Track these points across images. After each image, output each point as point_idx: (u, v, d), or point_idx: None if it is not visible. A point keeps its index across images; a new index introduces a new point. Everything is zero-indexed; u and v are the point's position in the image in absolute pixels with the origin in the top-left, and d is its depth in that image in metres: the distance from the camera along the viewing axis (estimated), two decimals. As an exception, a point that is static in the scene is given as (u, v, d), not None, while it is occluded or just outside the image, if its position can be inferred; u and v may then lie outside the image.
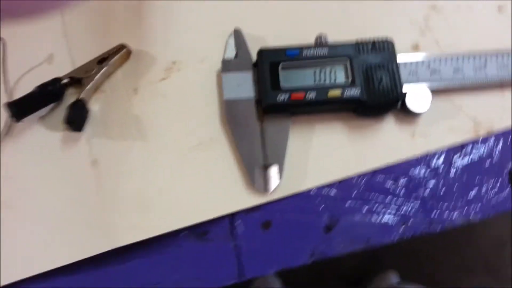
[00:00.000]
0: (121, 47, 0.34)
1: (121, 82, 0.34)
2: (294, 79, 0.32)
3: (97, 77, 0.33)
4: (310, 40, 0.34)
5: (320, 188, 0.32)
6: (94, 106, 0.33)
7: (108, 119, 0.33)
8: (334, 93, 0.31)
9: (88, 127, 0.32)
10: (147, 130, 0.33)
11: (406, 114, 0.33)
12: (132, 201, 0.31)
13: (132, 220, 0.30)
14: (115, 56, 0.34)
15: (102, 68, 0.33)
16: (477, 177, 0.32)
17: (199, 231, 0.31)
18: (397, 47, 0.33)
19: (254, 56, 0.33)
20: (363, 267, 1.21)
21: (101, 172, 0.32)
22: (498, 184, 0.32)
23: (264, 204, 0.31)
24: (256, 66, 0.33)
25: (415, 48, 0.35)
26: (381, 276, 1.11)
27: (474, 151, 0.33)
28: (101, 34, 0.35)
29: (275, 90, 0.32)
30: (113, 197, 0.31)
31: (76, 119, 0.31)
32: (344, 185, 0.32)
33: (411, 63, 0.33)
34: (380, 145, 0.33)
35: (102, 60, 0.33)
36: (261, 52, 0.33)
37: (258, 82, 0.32)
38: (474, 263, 1.27)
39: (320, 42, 0.34)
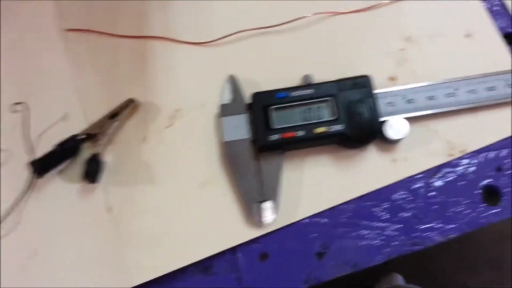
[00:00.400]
0: (129, 101, 0.38)
1: (131, 132, 0.38)
2: (284, 119, 0.36)
3: (109, 131, 0.37)
4: (298, 80, 0.38)
5: (312, 217, 0.36)
6: (108, 157, 0.38)
7: (121, 168, 0.37)
8: (321, 129, 0.35)
9: (103, 177, 0.37)
10: (156, 174, 0.37)
11: (386, 142, 0.37)
12: (144, 241, 0.35)
13: (144, 259, 0.35)
14: (125, 110, 0.38)
15: (114, 122, 0.37)
16: (453, 197, 0.36)
17: (204, 265, 0.35)
18: (376, 79, 0.37)
19: (248, 99, 0.37)
20: (371, 269, 1.23)
21: (116, 217, 0.36)
22: (472, 202, 0.36)
23: (261, 237, 0.35)
24: (250, 108, 0.37)
25: (393, 79, 0.39)
26: (386, 278, 1.14)
27: (449, 172, 0.37)
28: (110, 90, 0.40)
29: (268, 130, 0.36)
30: (128, 239, 0.35)
31: (93, 173, 0.36)
32: (333, 213, 0.36)
33: (388, 95, 0.37)
34: (365, 173, 0.37)
35: (113, 115, 0.38)
36: (254, 96, 0.37)
37: (253, 123, 0.36)
38: (476, 260, 1.29)
39: (306, 81, 0.38)
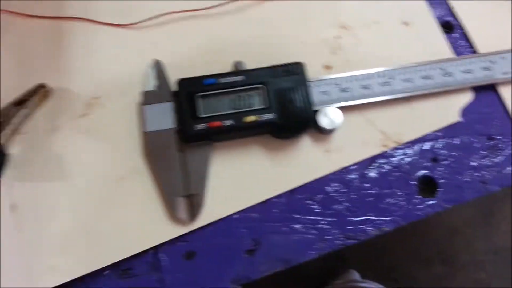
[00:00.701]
0: (40, 87, 0.34)
1: (41, 122, 0.34)
2: (212, 107, 0.33)
3: (15, 120, 0.33)
4: (229, 66, 0.36)
5: (242, 212, 0.33)
6: (14, 149, 0.33)
7: (28, 160, 0.33)
8: (251, 118, 0.33)
9: (8, 171, 0.33)
10: (69, 168, 0.33)
11: (320, 132, 0.35)
12: (54, 241, 0.32)
13: (54, 262, 0.31)
14: (34, 96, 0.34)
15: (20, 110, 0.33)
16: (387, 188, 0.34)
17: (122, 267, 0.32)
18: (311, 68, 0.35)
19: (174, 86, 0.34)
20: (328, 267, 1.24)
21: (21, 216, 0.32)
22: (407, 194, 0.34)
23: (187, 234, 0.32)
24: (175, 96, 0.34)
25: (328, 67, 0.37)
26: (344, 275, 1.14)
27: (384, 163, 0.35)
28: (20, 75, 0.36)
29: (194, 120, 0.33)
30: (34, 241, 0.32)
31: (-7, 165, 0.31)
32: (264, 207, 0.33)
33: (322, 84, 0.35)
34: (298, 164, 0.35)
35: (20, 102, 0.34)
36: (180, 82, 0.34)
37: (178, 112, 0.33)
38: (430, 253, 1.32)
39: (237, 68, 0.35)
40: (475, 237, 1.34)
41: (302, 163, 0.35)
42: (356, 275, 1.16)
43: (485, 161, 0.36)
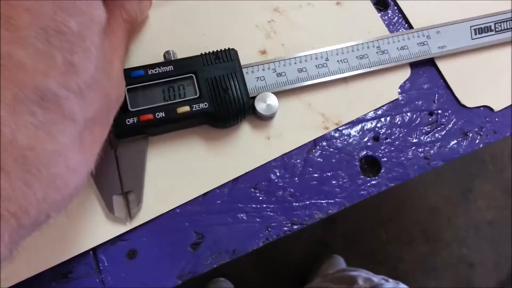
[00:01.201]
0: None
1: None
2: (142, 100, 0.32)
3: None
4: (160, 57, 0.35)
5: (183, 206, 0.32)
6: None
7: None
8: (183, 109, 0.32)
9: None
10: None
11: (259, 119, 0.34)
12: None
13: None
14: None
15: None
16: (331, 171, 0.34)
17: (61, 271, 0.31)
18: (246, 53, 0.34)
19: (105, 83, 0.33)
20: (311, 254, 1.24)
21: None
22: (351, 175, 0.34)
23: (127, 233, 0.31)
24: (106, 92, 0.33)
25: (263, 53, 0.37)
26: (329, 261, 1.15)
27: (326, 146, 0.35)
28: None
29: (124, 114, 0.32)
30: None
31: None
32: (206, 199, 0.33)
33: (257, 70, 0.34)
34: (239, 153, 0.34)
35: None
36: (109, 78, 0.33)
37: (109, 108, 0.32)
38: (413, 233, 1.34)
39: (168, 57, 0.34)
40: (455, 214, 1.37)
41: (243, 152, 0.34)
42: (341, 262, 1.17)
43: (428, 137, 0.36)
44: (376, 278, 0.70)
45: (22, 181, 0.16)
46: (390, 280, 0.69)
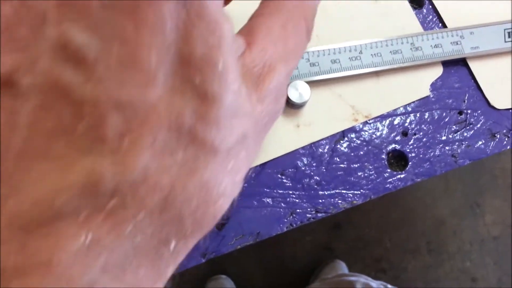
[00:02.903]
0: None
1: None
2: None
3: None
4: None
5: (210, 185, 0.33)
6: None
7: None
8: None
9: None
10: None
11: (290, 107, 0.35)
12: None
13: None
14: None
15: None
16: (358, 163, 0.34)
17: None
18: (281, 43, 0.35)
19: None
20: (315, 258, 1.24)
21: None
22: (378, 168, 0.34)
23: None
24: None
25: (298, 43, 0.37)
26: (331, 265, 1.15)
27: (354, 137, 0.35)
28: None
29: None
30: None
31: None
32: (232, 180, 0.33)
33: (292, 58, 0.35)
34: (269, 139, 0.34)
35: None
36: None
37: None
38: (417, 244, 1.33)
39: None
40: (461, 227, 1.36)
41: (273, 138, 0.34)
42: (343, 266, 1.16)
43: (456, 136, 0.36)
44: (374, 284, 0.70)
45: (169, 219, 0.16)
46: (389, 286, 0.69)
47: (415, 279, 1.26)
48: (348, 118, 0.35)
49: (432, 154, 0.35)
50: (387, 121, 0.36)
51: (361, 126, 0.35)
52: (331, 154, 0.34)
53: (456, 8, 0.39)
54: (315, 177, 0.34)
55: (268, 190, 0.33)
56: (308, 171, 0.34)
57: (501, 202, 1.34)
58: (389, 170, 0.34)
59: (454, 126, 0.36)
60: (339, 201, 0.33)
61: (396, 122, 0.36)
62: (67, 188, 0.13)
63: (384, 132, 0.35)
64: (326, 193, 0.33)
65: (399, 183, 0.34)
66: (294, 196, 0.33)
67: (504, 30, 0.38)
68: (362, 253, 1.25)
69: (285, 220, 0.33)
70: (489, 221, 1.35)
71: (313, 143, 0.35)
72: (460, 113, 0.36)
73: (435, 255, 1.29)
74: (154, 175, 0.15)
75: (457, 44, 0.37)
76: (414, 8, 0.39)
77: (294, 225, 0.33)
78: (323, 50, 0.35)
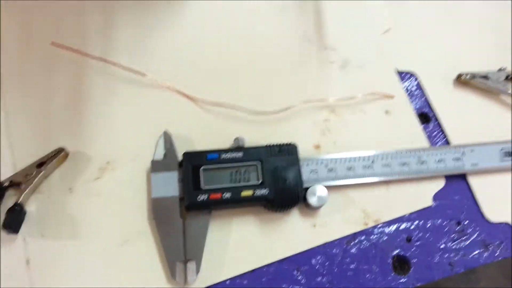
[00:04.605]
0: (59, 150, 0.38)
1: (58, 182, 0.38)
2: (213, 180, 0.37)
3: (35, 180, 0.36)
4: (231, 141, 0.40)
5: (233, 279, 0.37)
6: (31, 207, 0.37)
7: (44, 219, 0.37)
8: (247, 193, 0.37)
9: (25, 227, 0.36)
10: (79, 228, 0.37)
11: (308, 208, 0.39)
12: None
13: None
14: (54, 158, 0.38)
15: (41, 171, 0.37)
16: (366, 264, 0.38)
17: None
18: (302, 146, 0.39)
19: (180, 156, 0.38)
20: None
21: (34, 272, 0.35)
22: (383, 271, 0.38)
23: (182, 298, 0.35)
24: (181, 167, 0.38)
25: (317, 147, 0.42)
26: None
27: (364, 240, 0.39)
28: (41, 136, 0.40)
29: (196, 190, 0.37)
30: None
31: (13, 223, 0.35)
32: (253, 275, 0.37)
33: (312, 163, 0.39)
34: (287, 236, 0.38)
35: (41, 164, 0.37)
36: (185, 155, 0.38)
37: (182, 182, 0.37)
38: None
39: (237, 143, 0.40)
40: (456, 293, 1.36)
41: (291, 235, 0.38)
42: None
43: (453, 244, 0.40)
44: None
45: None
46: None
47: None
48: (359, 221, 0.39)
49: (431, 261, 0.39)
50: (394, 227, 0.40)
51: (370, 230, 0.40)
52: (343, 255, 0.38)
53: (459, 125, 0.44)
54: (327, 276, 0.38)
55: (284, 286, 0.37)
56: (322, 270, 0.38)
57: (495, 271, 1.36)
58: (393, 274, 0.38)
59: (452, 235, 0.40)
60: (347, 300, 0.37)
61: (401, 228, 0.40)
62: None
63: (391, 237, 0.39)
64: (336, 292, 0.37)
65: (401, 287, 0.38)
66: (307, 292, 0.37)
67: (500, 150, 0.42)
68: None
69: (298, 314, 0.36)
70: None
71: (327, 242, 0.39)
72: (458, 223, 0.41)
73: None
74: None
75: (458, 160, 0.41)
76: (422, 123, 0.44)
77: (306, 319, 0.36)
78: (340, 158, 0.40)
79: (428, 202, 0.41)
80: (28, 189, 0.36)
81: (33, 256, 0.35)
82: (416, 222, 0.40)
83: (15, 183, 0.37)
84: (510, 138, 0.43)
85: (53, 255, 0.36)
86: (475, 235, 0.40)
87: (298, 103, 0.43)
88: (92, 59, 0.43)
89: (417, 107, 0.45)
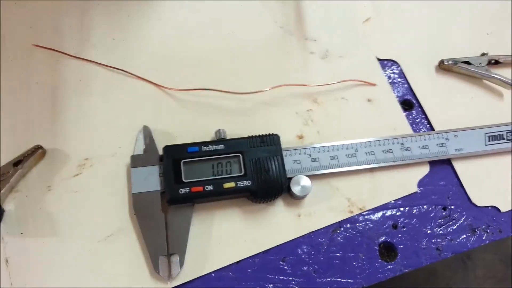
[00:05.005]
0: (36, 148, 0.37)
1: (36, 180, 0.37)
2: (194, 173, 0.37)
3: (12, 179, 0.36)
4: (212, 134, 0.40)
5: (218, 271, 0.36)
6: (9, 206, 0.36)
7: (23, 217, 0.36)
8: (229, 185, 0.36)
9: (3, 226, 0.35)
10: (59, 226, 0.36)
11: (292, 197, 0.39)
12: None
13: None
14: (30, 157, 0.37)
15: (18, 170, 0.36)
16: (352, 252, 0.38)
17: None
18: (285, 136, 0.39)
19: (161, 151, 0.38)
20: None
21: (13, 271, 0.34)
22: (370, 258, 0.38)
23: (167, 291, 0.35)
24: (161, 160, 0.37)
25: (300, 137, 0.41)
26: None
27: (349, 228, 0.39)
28: (17, 134, 0.39)
29: (177, 184, 0.36)
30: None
31: (-10, 222, 0.34)
32: (239, 266, 0.36)
33: (295, 153, 0.39)
34: (272, 227, 0.38)
35: (18, 162, 0.37)
36: (166, 149, 0.37)
37: (163, 176, 0.37)
38: None
39: (219, 135, 0.39)
40: (453, 280, 1.37)
41: (276, 226, 0.38)
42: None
43: (440, 229, 0.40)
44: None
45: None
46: None
47: (406, 333, 1.25)
48: (344, 210, 0.39)
49: (418, 246, 0.39)
50: (379, 214, 0.39)
51: (356, 217, 0.39)
52: (328, 243, 0.38)
53: (443, 111, 0.44)
54: (313, 265, 0.37)
55: (270, 276, 0.36)
56: (307, 259, 0.37)
57: (491, 256, 1.36)
58: (380, 261, 0.38)
59: (439, 221, 0.40)
60: (334, 289, 0.37)
61: (387, 215, 0.40)
62: None
63: (376, 224, 0.39)
64: (323, 281, 0.37)
65: (389, 273, 0.37)
66: (294, 282, 0.36)
67: (485, 134, 0.42)
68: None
69: (285, 305, 0.36)
70: (480, 275, 1.36)
71: (312, 232, 0.38)
72: (444, 208, 0.40)
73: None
74: None
75: (442, 146, 0.41)
76: (405, 110, 0.44)
77: (293, 310, 0.36)
78: (323, 146, 0.40)
79: (413, 188, 0.40)
80: (5, 188, 0.36)
81: (12, 255, 0.35)
82: (402, 208, 0.40)
83: (-9, 182, 0.36)
84: (494, 122, 0.43)
85: (33, 254, 0.35)
86: (462, 219, 0.40)
87: (278, 85, 0.42)
88: (69, 57, 0.42)
89: (400, 94, 0.45)
